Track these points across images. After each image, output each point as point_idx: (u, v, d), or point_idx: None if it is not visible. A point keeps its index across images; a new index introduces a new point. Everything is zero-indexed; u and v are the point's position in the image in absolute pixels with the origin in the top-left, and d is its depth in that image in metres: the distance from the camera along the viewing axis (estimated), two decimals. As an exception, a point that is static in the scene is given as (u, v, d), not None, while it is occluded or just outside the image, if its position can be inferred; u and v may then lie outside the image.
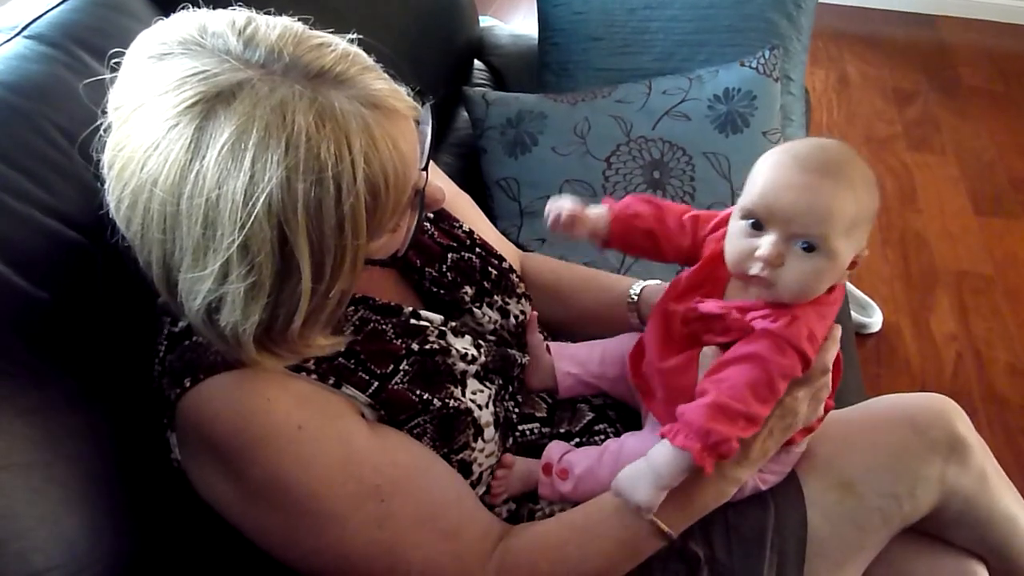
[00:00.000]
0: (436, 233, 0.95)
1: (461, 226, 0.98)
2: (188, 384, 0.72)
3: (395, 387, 0.79)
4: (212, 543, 0.84)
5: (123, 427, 0.81)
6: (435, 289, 0.92)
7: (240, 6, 0.69)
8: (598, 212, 0.92)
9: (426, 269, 0.92)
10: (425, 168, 0.74)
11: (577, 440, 0.94)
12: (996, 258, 2.25)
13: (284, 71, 0.63)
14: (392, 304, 0.84)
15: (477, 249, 0.98)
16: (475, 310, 0.94)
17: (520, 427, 0.93)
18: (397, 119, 0.67)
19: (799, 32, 1.64)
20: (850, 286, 1.97)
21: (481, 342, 0.90)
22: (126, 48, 0.68)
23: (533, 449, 0.92)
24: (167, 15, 0.69)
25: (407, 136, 0.69)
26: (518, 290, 1.00)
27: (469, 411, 0.83)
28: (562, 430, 0.95)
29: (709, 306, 0.82)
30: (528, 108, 1.54)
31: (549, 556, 0.80)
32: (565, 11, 1.67)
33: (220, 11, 0.68)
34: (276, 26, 0.66)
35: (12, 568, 0.69)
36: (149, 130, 0.62)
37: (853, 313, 1.94)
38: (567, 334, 1.07)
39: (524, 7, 3.22)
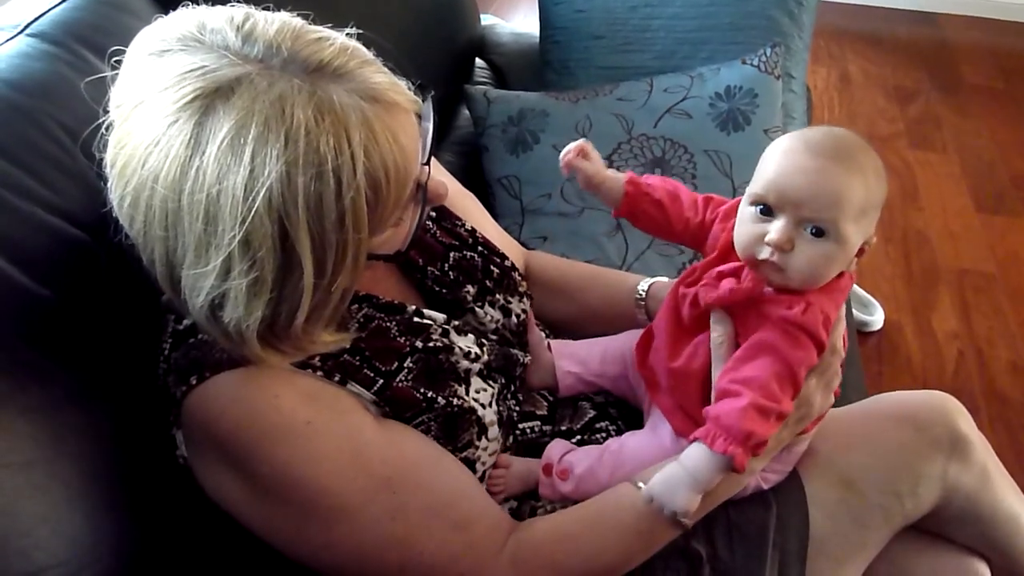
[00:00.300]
0: (438, 232, 0.95)
1: (463, 224, 0.98)
2: (194, 382, 0.72)
3: (400, 385, 0.79)
4: (215, 540, 0.84)
5: (125, 425, 0.81)
6: (437, 288, 0.92)
7: (239, 2, 0.70)
8: (615, 173, 0.91)
9: (428, 268, 0.92)
10: (427, 163, 0.74)
11: (578, 438, 0.94)
12: (998, 256, 2.24)
13: (283, 65, 0.63)
14: (395, 302, 0.84)
15: (479, 248, 0.98)
16: (477, 309, 0.94)
17: (520, 425, 0.93)
18: (397, 112, 0.67)
19: (801, 30, 1.64)
20: (851, 284, 1.97)
21: (484, 341, 0.90)
22: (127, 46, 0.68)
23: (533, 447, 0.92)
24: (167, 13, 0.69)
25: (408, 130, 0.69)
26: (520, 289, 1.00)
27: (472, 410, 0.83)
28: (563, 428, 0.95)
29: (725, 265, 0.82)
30: (529, 106, 1.54)
31: (564, 547, 0.80)
32: (566, 9, 1.67)
33: (219, 7, 0.68)
34: (274, 21, 0.66)
35: (14, 565, 0.69)
36: (149, 127, 0.62)
37: (855, 311, 1.94)
38: (573, 331, 1.07)
39: (525, 5, 3.22)
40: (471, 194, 1.08)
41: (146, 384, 0.79)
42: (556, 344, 0.99)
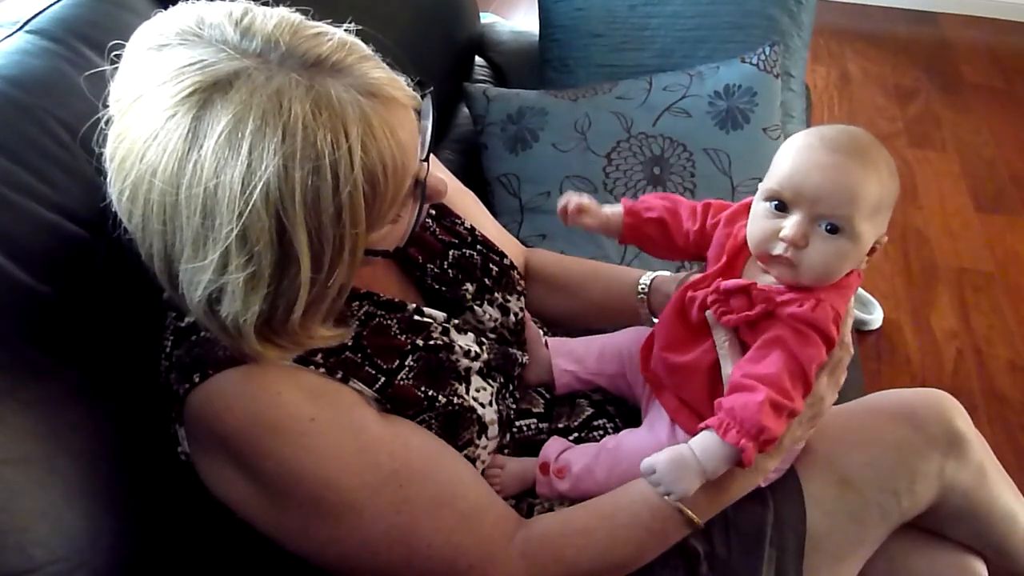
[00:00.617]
0: (438, 230, 0.95)
1: (463, 223, 0.98)
2: (197, 379, 0.72)
3: (401, 383, 0.79)
4: (214, 536, 0.84)
5: (125, 421, 0.81)
6: (437, 286, 0.92)
7: None
8: (612, 207, 0.92)
9: (427, 265, 0.92)
10: (426, 159, 0.74)
11: (576, 435, 0.94)
12: (997, 255, 2.25)
13: (281, 60, 0.63)
14: (395, 300, 0.84)
15: (478, 246, 0.97)
16: (476, 308, 0.94)
17: (517, 423, 0.93)
18: (395, 108, 0.67)
19: (800, 28, 1.64)
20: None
21: (483, 339, 0.90)
22: (126, 42, 0.68)
23: (530, 445, 0.92)
24: (166, 8, 0.69)
25: (406, 125, 0.68)
26: (518, 287, 1.00)
27: (472, 409, 0.83)
28: (561, 425, 0.95)
29: (732, 281, 0.82)
30: (529, 104, 1.54)
31: (576, 543, 0.80)
32: (566, 7, 1.67)
33: (217, 2, 0.68)
34: (273, 16, 0.66)
35: (13, 561, 0.69)
36: (148, 121, 0.62)
37: (854, 310, 1.94)
38: (575, 327, 1.07)
39: (525, 4, 3.22)
40: (471, 192, 1.08)
41: (146, 380, 0.79)
42: (553, 342, 1.00)
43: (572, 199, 0.91)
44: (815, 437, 0.91)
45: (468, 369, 0.85)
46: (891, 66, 3.10)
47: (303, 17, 0.68)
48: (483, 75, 1.80)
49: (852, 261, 0.79)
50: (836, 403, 0.93)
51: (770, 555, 0.88)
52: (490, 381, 0.88)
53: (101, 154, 0.68)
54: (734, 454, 0.74)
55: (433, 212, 0.96)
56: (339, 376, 0.76)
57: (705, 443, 0.76)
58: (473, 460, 0.84)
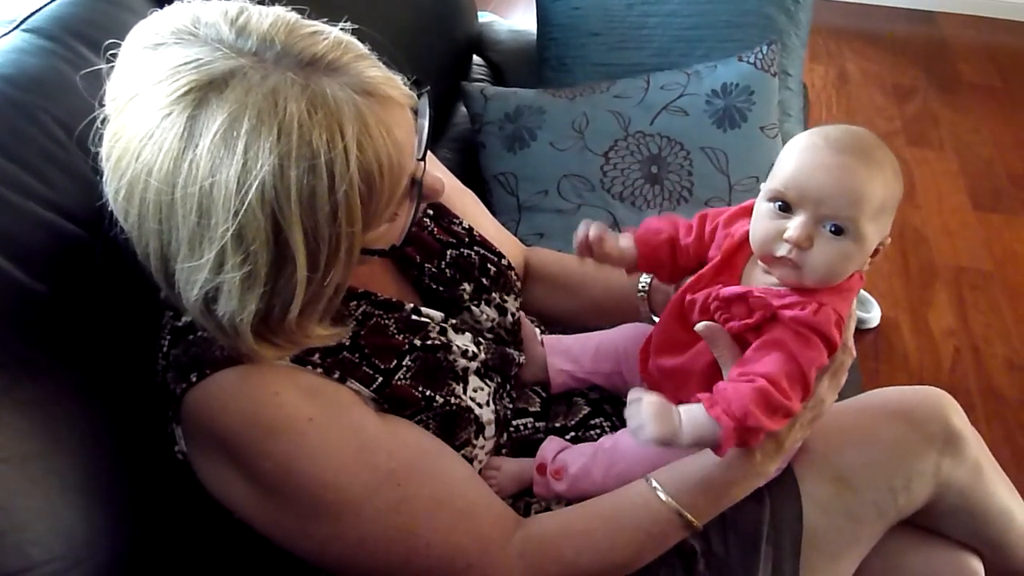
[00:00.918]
0: (436, 229, 0.95)
1: (461, 223, 0.98)
2: (195, 379, 0.72)
3: (399, 383, 0.79)
4: (211, 535, 0.84)
5: (122, 419, 0.81)
6: (434, 286, 0.92)
7: None
8: (623, 238, 0.90)
9: (425, 265, 0.92)
10: (423, 158, 0.74)
11: (572, 434, 0.94)
12: (994, 254, 2.25)
13: (276, 59, 0.63)
14: (393, 300, 0.84)
15: (476, 246, 0.97)
16: (473, 308, 0.93)
17: (513, 422, 0.93)
18: (392, 107, 0.67)
19: (797, 27, 1.64)
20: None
21: (480, 339, 0.90)
22: (123, 41, 0.68)
23: (527, 444, 0.92)
24: (162, 7, 0.69)
25: (402, 124, 0.68)
26: (516, 288, 1.00)
27: (470, 409, 0.83)
28: (557, 424, 0.95)
29: (730, 290, 0.81)
30: (526, 103, 1.54)
31: (575, 544, 0.80)
32: (564, 6, 1.67)
33: (214, 1, 0.68)
34: (269, 15, 0.66)
35: (10, 560, 0.69)
36: (143, 120, 0.62)
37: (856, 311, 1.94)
38: (575, 325, 1.07)
39: (523, 3, 3.22)
40: (471, 191, 1.08)
41: (143, 379, 0.79)
42: (549, 339, 0.99)
43: (591, 229, 0.88)
44: (811, 435, 0.91)
45: (465, 369, 0.85)
46: (889, 65, 3.10)
47: (299, 16, 0.68)
48: (481, 74, 1.80)
49: (856, 263, 0.78)
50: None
51: (767, 553, 0.88)
52: (487, 381, 0.88)
53: (97, 153, 0.68)
54: (713, 430, 0.72)
55: (431, 212, 0.95)
56: (337, 376, 0.76)
57: (692, 410, 0.74)
58: (470, 460, 0.84)
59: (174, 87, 0.61)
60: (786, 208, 0.78)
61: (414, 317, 0.84)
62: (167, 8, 0.68)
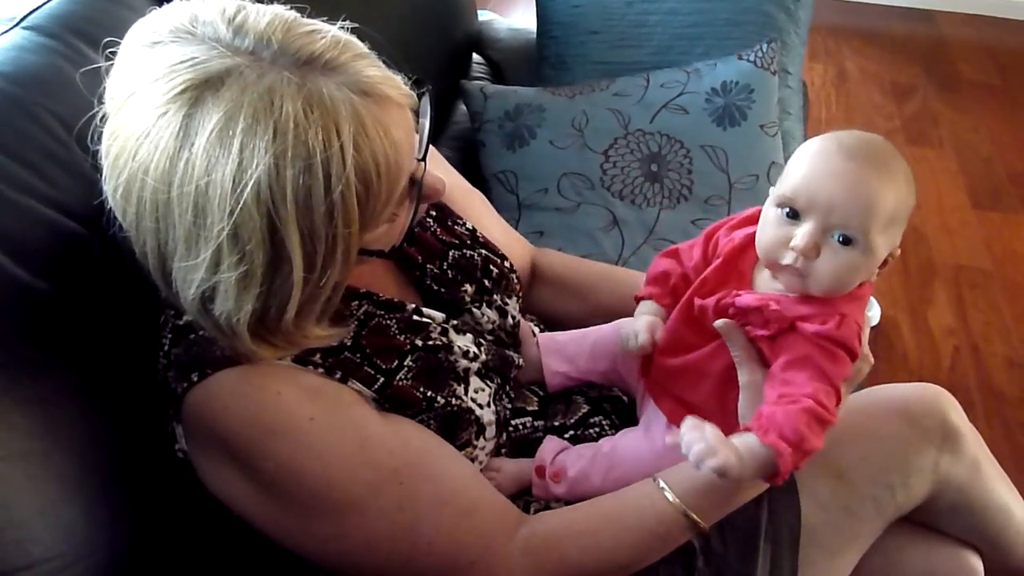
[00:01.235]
0: (438, 230, 0.95)
1: (464, 223, 0.98)
2: (196, 378, 0.72)
3: (400, 383, 0.79)
4: (211, 534, 0.84)
5: (121, 417, 0.81)
6: (436, 286, 0.92)
7: None
8: (649, 309, 0.89)
9: (427, 266, 0.92)
10: (423, 158, 0.73)
11: (571, 433, 0.94)
12: (994, 252, 2.25)
13: (273, 58, 0.63)
14: (395, 300, 0.84)
15: (479, 248, 0.97)
16: (474, 309, 0.93)
17: (512, 422, 0.93)
18: (389, 107, 0.67)
19: (797, 25, 1.64)
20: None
21: (481, 341, 0.90)
22: (122, 39, 0.68)
23: (525, 444, 0.92)
24: (162, 5, 0.69)
25: (400, 124, 0.68)
26: (517, 290, 0.99)
27: (471, 410, 0.83)
28: (556, 423, 0.95)
29: (747, 299, 0.79)
30: (526, 101, 1.54)
31: (579, 543, 0.80)
32: (563, 5, 1.67)
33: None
34: (266, 14, 0.66)
35: (10, 558, 0.69)
36: (140, 118, 0.62)
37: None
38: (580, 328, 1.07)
39: (522, 1, 3.22)
40: (478, 192, 1.08)
41: (143, 378, 0.79)
42: (543, 339, 0.98)
43: (641, 336, 0.85)
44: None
45: (467, 370, 0.85)
46: (888, 64, 3.10)
47: (297, 15, 0.67)
48: (480, 72, 1.80)
49: (863, 274, 0.77)
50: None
51: (765, 550, 0.88)
52: (488, 382, 0.88)
53: (97, 150, 0.68)
54: (769, 457, 0.69)
55: (434, 212, 0.95)
56: (338, 376, 0.76)
57: (746, 439, 0.70)
58: (471, 460, 0.84)
59: (170, 86, 0.61)
60: (794, 215, 0.76)
61: (415, 318, 0.84)
62: (166, 6, 0.68)
